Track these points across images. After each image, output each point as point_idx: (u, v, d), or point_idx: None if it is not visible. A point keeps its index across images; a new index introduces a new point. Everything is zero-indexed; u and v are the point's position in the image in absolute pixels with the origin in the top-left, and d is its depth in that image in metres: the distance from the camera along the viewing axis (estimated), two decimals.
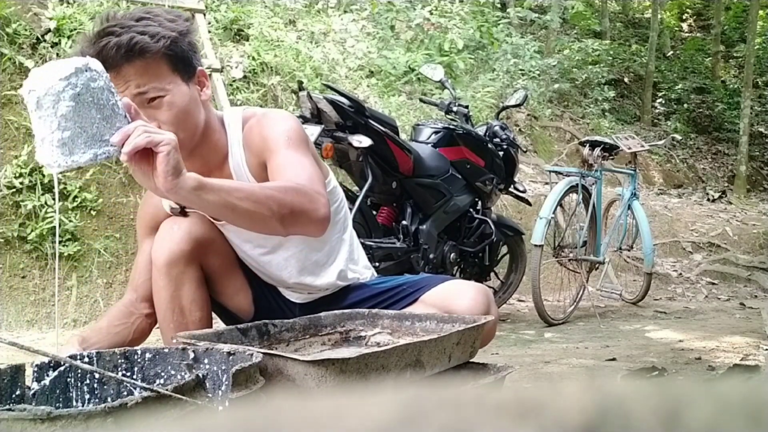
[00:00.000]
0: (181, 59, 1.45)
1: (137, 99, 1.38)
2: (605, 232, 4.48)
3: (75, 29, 3.86)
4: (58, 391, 1.13)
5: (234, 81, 4.36)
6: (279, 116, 1.56)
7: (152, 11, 1.47)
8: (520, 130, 6.88)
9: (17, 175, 3.36)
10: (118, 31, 1.38)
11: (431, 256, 3.14)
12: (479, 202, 3.52)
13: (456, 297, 1.59)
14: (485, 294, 1.60)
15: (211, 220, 1.61)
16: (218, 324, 1.83)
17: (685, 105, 10.31)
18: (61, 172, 1.25)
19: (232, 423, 0.25)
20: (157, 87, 1.42)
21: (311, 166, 1.47)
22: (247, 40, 4.73)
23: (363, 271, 1.79)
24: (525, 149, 4.93)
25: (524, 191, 3.92)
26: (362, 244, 2.82)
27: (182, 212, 1.61)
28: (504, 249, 3.86)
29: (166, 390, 0.90)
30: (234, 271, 1.70)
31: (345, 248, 1.75)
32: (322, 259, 1.70)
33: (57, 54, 3.73)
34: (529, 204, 4.13)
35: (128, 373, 1.18)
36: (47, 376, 1.11)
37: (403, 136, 3.26)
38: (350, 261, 1.76)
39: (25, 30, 3.70)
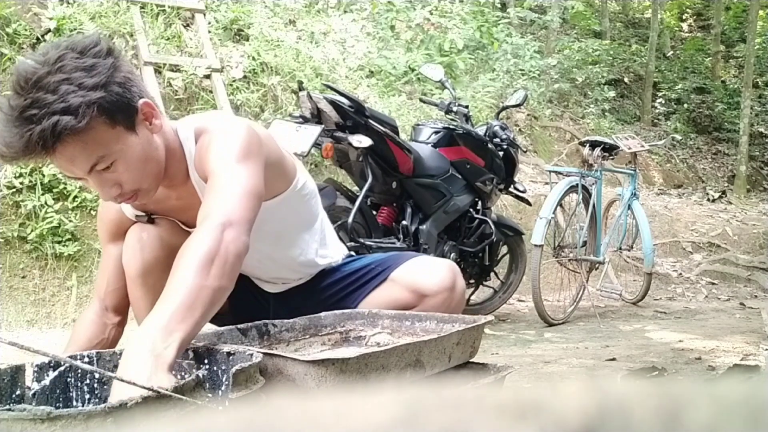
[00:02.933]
0: (118, 110, 1.28)
1: (91, 174, 1.30)
2: (605, 232, 4.48)
3: (75, 29, 3.86)
4: (58, 391, 1.13)
5: (234, 81, 4.36)
6: (221, 133, 1.42)
7: (65, 65, 1.23)
8: (520, 130, 6.88)
9: (17, 175, 3.36)
10: (38, 115, 1.20)
11: (431, 256, 3.14)
12: (479, 202, 3.52)
13: (424, 273, 1.62)
14: (452, 269, 1.62)
15: (180, 224, 1.62)
16: None
17: (685, 105, 10.31)
18: None
19: (232, 423, 0.25)
20: (105, 155, 1.29)
21: (234, 176, 1.31)
22: (247, 40, 4.73)
23: (334, 254, 1.80)
24: (525, 149, 4.93)
25: (524, 191, 3.92)
26: (362, 244, 2.84)
27: (149, 219, 1.60)
28: (504, 249, 3.86)
29: (166, 390, 0.90)
30: None
31: (316, 237, 1.75)
32: (295, 253, 1.70)
33: None
34: (529, 204, 4.13)
35: None
36: (47, 376, 1.11)
37: (403, 136, 3.26)
38: (322, 247, 1.77)
39: (25, 30, 3.70)
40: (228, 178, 1.31)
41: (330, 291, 1.74)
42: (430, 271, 1.62)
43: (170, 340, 1.05)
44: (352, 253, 1.91)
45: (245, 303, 1.70)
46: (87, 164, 1.29)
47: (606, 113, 8.76)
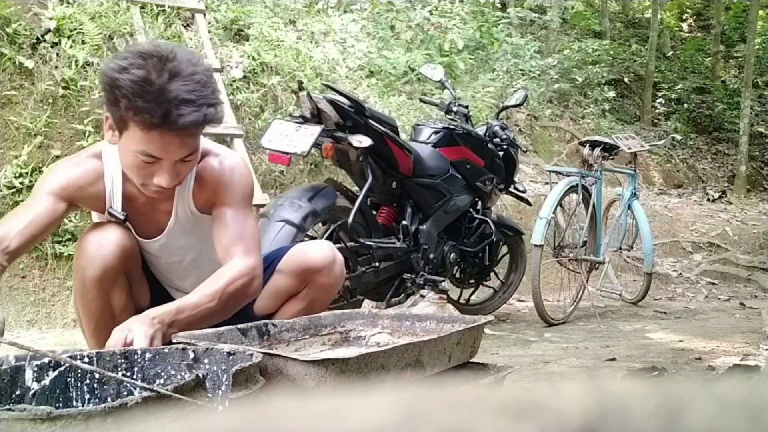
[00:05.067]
0: None
1: (176, 162, 1.50)
2: (605, 232, 4.48)
3: (75, 29, 3.85)
4: (58, 391, 1.13)
5: (234, 81, 4.36)
6: (239, 170, 1.70)
7: (206, 68, 1.52)
8: (520, 130, 6.88)
9: (17, 175, 3.36)
10: (196, 101, 1.44)
11: (431, 256, 3.14)
12: (479, 202, 3.52)
13: (307, 254, 1.80)
14: (329, 245, 1.85)
15: (131, 230, 1.68)
16: None
17: (685, 105, 10.30)
18: None
19: (232, 423, 0.25)
20: (194, 151, 1.54)
21: (253, 226, 1.69)
22: (247, 40, 4.73)
23: None
24: (525, 149, 4.93)
25: (524, 191, 3.92)
26: (362, 244, 2.84)
27: (125, 219, 1.66)
28: (504, 249, 3.86)
29: (166, 390, 0.90)
30: (141, 275, 1.79)
31: None
32: (217, 264, 1.78)
33: (57, 54, 3.73)
34: (529, 204, 4.13)
35: (128, 373, 1.18)
36: (47, 376, 1.11)
37: (403, 136, 3.26)
38: None
39: (25, 30, 3.70)
40: (252, 224, 1.70)
41: None
42: (312, 251, 1.80)
43: (176, 320, 1.44)
44: None
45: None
46: (185, 152, 1.50)
47: (606, 113, 8.75)
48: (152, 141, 1.45)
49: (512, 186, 3.78)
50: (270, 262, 1.81)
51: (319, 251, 1.79)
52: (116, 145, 1.55)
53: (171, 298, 1.84)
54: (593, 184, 4.14)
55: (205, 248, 1.76)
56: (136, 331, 1.36)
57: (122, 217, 1.64)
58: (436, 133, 3.38)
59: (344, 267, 1.87)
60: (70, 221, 3.41)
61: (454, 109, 3.59)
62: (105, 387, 1.16)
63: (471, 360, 1.49)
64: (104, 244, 1.62)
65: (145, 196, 1.60)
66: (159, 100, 1.40)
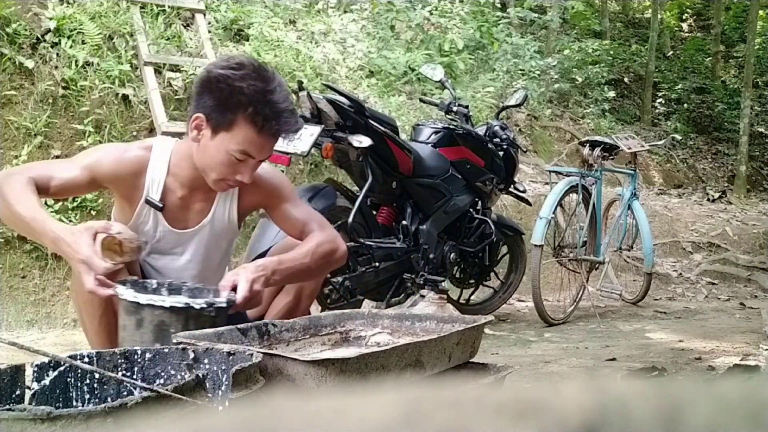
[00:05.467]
0: None
1: (256, 161, 1.69)
2: (605, 232, 4.48)
3: (75, 29, 3.85)
4: (58, 391, 1.13)
5: None
6: (275, 170, 1.94)
7: (283, 82, 1.70)
8: (520, 130, 6.88)
9: None
10: (294, 111, 1.68)
11: (431, 256, 3.14)
12: (479, 202, 3.51)
13: (285, 242, 1.90)
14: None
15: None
16: None
17: (685, 105, 10.31)
18: None
19: (232, 423, 0.25)
20: (270, 153, 1.76)
21: (313, 210, 1.89)
22: (247, 40, 4.73)
23: None
24: (525, 149, 4.93)
25: (524, 191, 3.92)
26: (362, 244, 2.84)
27: (162, 208, 1.76)
28: (504, 249, 3.86)
29: (166, 390, 0.90)
30: (138, 275, 1.82)
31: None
32: (214, 267, 1.91)
33: (57, 54, 3.73)
34: (529, 204, 4.13)
35: (128, 373, 1.18)
36: (47, 376, 1.11)
37: (403, 136, 3.26)
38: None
39: (25, 30, 3.70)
40: (311, 209, 1.96)
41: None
42: (289, 240, 1.88)
43: (277, 269, 1.68)
44: None
45: None
46: (269, 154, 1.74)
47: (606, 113, 8.75)
48: (254, 142, 1.64)
49: (512, 186, 3.78)
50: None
51: (296, 240, 1.87)
52: (179, 143, 1.76)
53: None
54: (593, 184, 4.14)
55: (204, 269, 1.86)
56: (242, 275, 1.59)
57: (160, 206, 1.75)
58: (436, 133, 3.38)
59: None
60: (70, 221, 3.41)
61: (454, 109, 3.58)
62: (105, 387, 1.16)
63: (471, 360, 1.49)
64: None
65: (182, 192, 1.76)
66: (274, 109, 1.62)
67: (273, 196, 1.85)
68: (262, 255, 1.98)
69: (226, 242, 1.90)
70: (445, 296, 1.91)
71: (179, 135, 3.77)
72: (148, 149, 1.76)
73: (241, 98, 1.60)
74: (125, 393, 1.14)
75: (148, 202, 1.74)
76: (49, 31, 3.78)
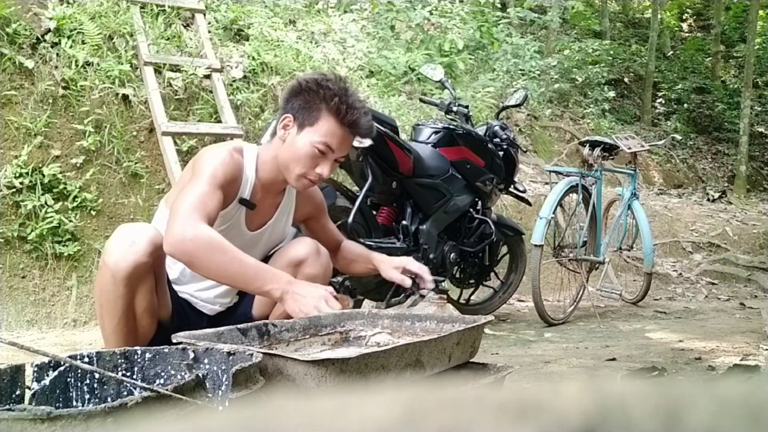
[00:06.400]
0: None
1: (336, 159, 1.84)
2: (605, 232, 4.48)
3: (75, 29, 3.85)
4: (58, 391, 1.13)
5: (234, 81, 4.36)
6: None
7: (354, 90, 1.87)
8: (520, 130, 6.88)
9: (17, 175, 3.36)
10: (368, 114, 1.86)
11: (431, 256, 3.14)
12: (479, 202, 3.51)
13: (291, 247, 1.95)
14: (311, 239, 2.03)
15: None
16: None
17: (685, 105, 10.31)
18: None
19: (232, 423, 0.25)
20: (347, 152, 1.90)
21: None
22: (247, 40, 4.73)
23: None
24: (525, 149, 4.93)
25: (524, 191, 3.91)
26: (362, 244, 2.84)
27: (253, 206, 1.88)
28: (504, 249, 3.86)
29: (166, 390, 0.90)
30: (164, 281, 1.84)
31: None
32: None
33: (57, 54, 3.73)
34: (529, 204, 4.13)
35: (128, 373, 1.18)
36: (47, 376, 1.11)
37: (403, 136, 3.26)
38: None
39: (25, 30, 3.70)
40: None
41: (239, 309, 1.99)
42: (294, 245, 1.96)
43: None
44: None
45: (185, 321, 1.86)
46: (346, 152, 1.88)
47: (606, 113, 8.75)
48: (336, 135, 1.80)
49: (512, 186, 3.78)
50: None
51: (302, 244, 1.96)
52: (268, 145, 1.89)
53: (190, 306, 1.93)
54: (593, 184, 4.14)
55: None
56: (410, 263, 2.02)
57: (254, 205, 1.87)
58: (436, 133, 3.38)
59: (330, 258, 2.01)
60: (70, 221, 3.41)
61: (454, 109, 3.58)
62: (105, 387, 1.16)
63: (471, 360, 1.49)
64: (137, 241, 1.66)
65: (260, 194, 1.88)
66: (354, 106, 1.81)
67: (320, 210, 2.09)
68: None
69: (273, 246, 2.00)
70: (445, 296, 1.91)
71: (180, 135, 3.78)
72: (241, 152, 1.86)
73: (327, 93, 1.79)
74: (125, 393, 1.14)
75: (243, 201, 1.84)
76: (49, 31, 3.78)
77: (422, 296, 1.92)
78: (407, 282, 1.97)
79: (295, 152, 1.82)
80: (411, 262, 2.01)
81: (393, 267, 2.00)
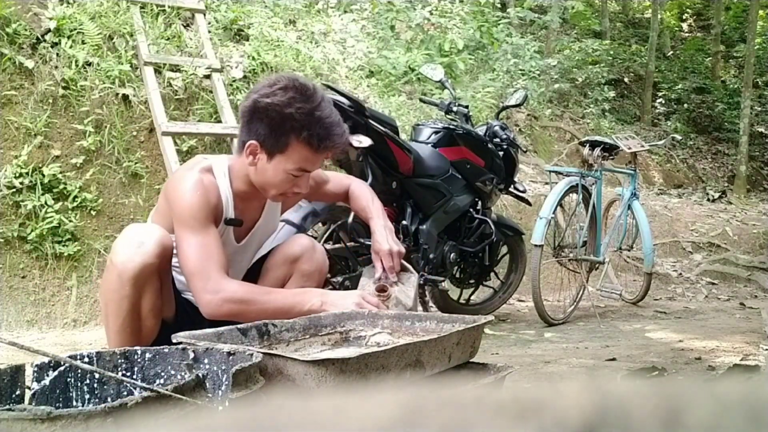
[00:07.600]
0: None
1: (309, 174, 1.79)
2: (605, 232, 4.48)
3: (75, 29, 3.86)
4: (58, 391, 1.13)
5: (234, 81, 4.36)
6: None
7: (319, 88, 1.76)
8: (520, 130, 6.88)
9: (17, 175, 3.36)
10: (339, 122, 1.75)
11: (431, 256, 3.14)
12: (479, 202, 3.51)
13: (287, 244, 1.97)
14: (308, 237, 2.09)
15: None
16: None
17: (685, 105, 10.31)
18: None
19: (232, 423, 0.25)
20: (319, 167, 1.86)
21: (333, 173, 2.06)
22: (247, 40, 4.73)
23: None
24: (525, 149, 4.92)
25: (524, 191, 3.91)
26: (362, 244, 2.84)
27: (241, 223, 1.86)
28: (504, 249, 3.86)
29: (166, 390, 0.90)
30: (169, 282, 1.84)
31: None
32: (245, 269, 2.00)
33: (57, 54, 3.73)
34: (529, 204, 4.13)
35: (128, 373, 1.18)
36: (47, 376, 1.11)
37: (403, 136, 3.26)
38: None
39: (25, 30, 3.70)
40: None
41: None
42: (291, 242, 1.98)
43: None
44: None
45: (188, 321, 1.83)
46: (321, 164, 1.83)
47: (606, 113, 8.76)
48: (309, 159, 1.73)
49: (512, 186, 3.77)
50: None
51: (298, 241, 1.97)
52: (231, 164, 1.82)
53: (192, 306, 1.91)
54: (593, 184, 4.13)
55: (238, 274, 1.94)
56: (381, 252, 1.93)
57: (241, 221, 1.85)
58: (436, 133, 3.38)
59: (326, 256, 2.02)
60: (70, 221, 3.41)
61: (454, 109, 3.58)
62: (105, 387, 1.16)
63: (471, 360, 1.49)
64: (145, 242, 1.67)
65: (242, 206, 1.85)
66: (324, 127, 1.69)
67: (314, 182, 1.95)
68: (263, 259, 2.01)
69: (263, 241, 2.01)
70: (386, 294, 1.89)
71: (180, 135, 3.78)
72: (211, 171, 1.80)
73: (293, 123, 1.68)
74: (125, 393, 1.14)
75: (229, 222, 1.82)
76: (49, 31, 3.78)
77: (379, 279, 1.92)
78: (378, 267, 1.94)
79: (269, 179, 1.76)
80: (385, 257, 1.92)
81: (374, 250, 1.96)
